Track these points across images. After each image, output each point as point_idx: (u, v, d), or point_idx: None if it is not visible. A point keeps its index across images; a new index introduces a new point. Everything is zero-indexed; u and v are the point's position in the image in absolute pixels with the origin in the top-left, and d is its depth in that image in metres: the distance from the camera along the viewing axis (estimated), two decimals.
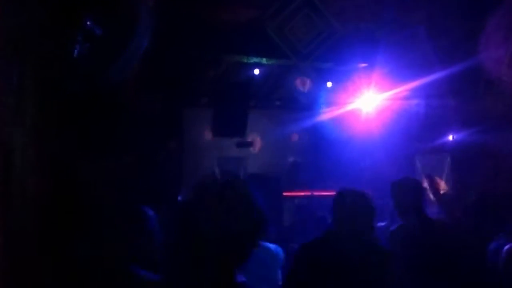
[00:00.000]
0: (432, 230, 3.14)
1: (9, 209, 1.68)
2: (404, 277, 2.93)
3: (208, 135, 7.55)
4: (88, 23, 2.33)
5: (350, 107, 6.91)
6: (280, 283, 3.20)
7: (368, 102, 6.77)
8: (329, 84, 7.05)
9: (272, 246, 3.31)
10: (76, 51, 2.29)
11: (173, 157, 6.26)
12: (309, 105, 7.26)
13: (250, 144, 7.59)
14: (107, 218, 2.11)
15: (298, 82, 6.90)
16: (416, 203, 3.23)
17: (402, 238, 3.21)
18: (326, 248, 2.49)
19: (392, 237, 3.41)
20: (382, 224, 4.98)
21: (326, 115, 7.24)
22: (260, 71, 6.80)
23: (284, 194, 6.66)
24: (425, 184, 3.71)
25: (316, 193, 6.76)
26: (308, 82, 6.92)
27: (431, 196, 3.71)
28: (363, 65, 6.75)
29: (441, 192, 3.71)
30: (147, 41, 2.52)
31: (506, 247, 2.59)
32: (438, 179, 3.84)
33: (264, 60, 6.68)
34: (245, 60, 6.65)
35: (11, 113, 1.89)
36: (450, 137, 6.33)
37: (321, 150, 8.07)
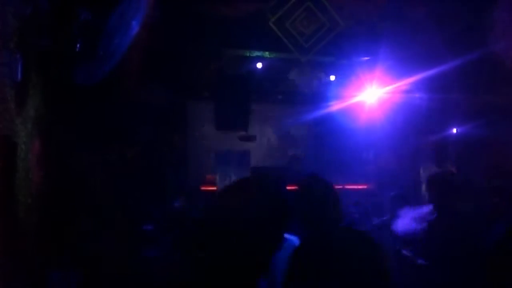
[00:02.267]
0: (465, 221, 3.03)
1: (14, 199, 1.68)
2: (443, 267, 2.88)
3: (210, 128, 7.54)
4: (85, 14, 2.33)
5: (353, 100, 6.89)
6: None
7: (371, 95, 6.75)
8: (331, 78, 7.03)
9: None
10: (76, 43, 2.29)
11: (175, 151, 6.26)
12: (312, 99, 7.24)
13: (253, 138, 7.58)
14: (108, 210, 2.11)
15: (300, 76, 6.89)
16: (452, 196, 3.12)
17: (438, 229, 3.11)
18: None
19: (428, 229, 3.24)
20: (384, 218, 4.98)
21: (329, 109, 7.23)
22: (262, 65, 6.78)
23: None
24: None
25: None
26: (311, 76, 6.91)
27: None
28: (366, 58, 6.72)
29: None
30: (137, 27, 2.51)
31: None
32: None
33: (266, 54, 6.67)
34: (247, 54, 6.63)
35: (16, 106, 1.88)
36: (454, 130, 6.32)
37: (324, 144, 8.06)
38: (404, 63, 5.96)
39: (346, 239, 2.06)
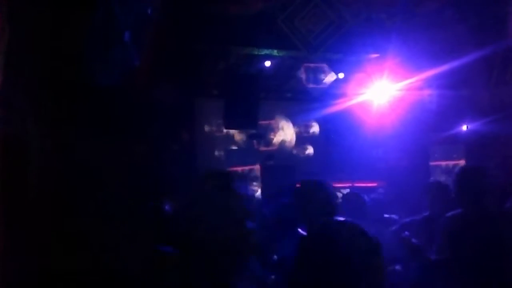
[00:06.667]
0: (491, 219, 3.05)
1: (27, 197, 1.70)
2: (459, 263, 2.91)
3: (219, 127, 7.56)
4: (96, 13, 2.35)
5: (362, 98, 6.86)
6: None
7: (380, 92, 6.72)
8: (340, 75, 7.01)
9: None
10: (87, 43, 2.30)
11: (185, 149, 6.28)
12: (321, 97, 7.22)
13: (262, 136, 7.58)
14: (121, 206, 2.12)
15: (308, 73, 6.88)
16: (478, 192, 3.13)
17: (460, 226, 3.12)
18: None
19: (448, 223, 3.28)
20: (395, 217, 4.93)
21: (337, 106, 7.20)
22: (271, 62, 6.78)
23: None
24: None
25: None
26: (319, 73, 6.90)
27: None
28: (375, 55, 6.69)
29: None
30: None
31: None
32: None
33: (274, 52, 6.65)
34: (256, 52, 6.63)
35: (28, 105, 1.90)
36: (464, 127, 6.27)
37: (333, 142, 8.04)
38: (414, 59, 5.92)
39: (339, 230, 2.46)
